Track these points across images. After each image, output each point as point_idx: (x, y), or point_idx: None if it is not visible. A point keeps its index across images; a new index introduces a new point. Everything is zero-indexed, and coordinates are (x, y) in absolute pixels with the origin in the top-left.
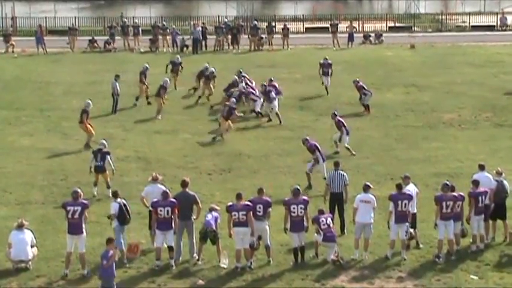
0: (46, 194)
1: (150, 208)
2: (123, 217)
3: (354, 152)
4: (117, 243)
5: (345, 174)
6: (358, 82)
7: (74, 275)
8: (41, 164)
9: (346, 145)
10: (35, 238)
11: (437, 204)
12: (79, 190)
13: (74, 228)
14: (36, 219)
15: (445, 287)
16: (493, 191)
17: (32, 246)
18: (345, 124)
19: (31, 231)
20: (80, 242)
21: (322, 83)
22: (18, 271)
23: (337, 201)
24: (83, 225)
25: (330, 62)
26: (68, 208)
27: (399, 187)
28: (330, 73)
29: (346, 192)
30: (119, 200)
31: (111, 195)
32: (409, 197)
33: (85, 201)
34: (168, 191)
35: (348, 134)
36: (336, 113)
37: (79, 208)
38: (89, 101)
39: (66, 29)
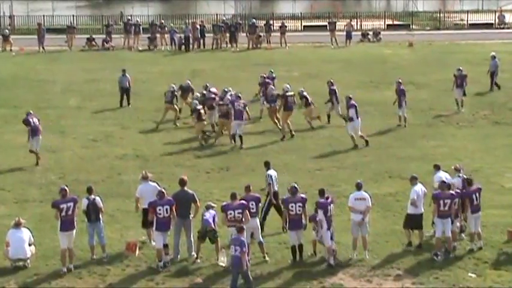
0: (44, 192)
1: (144, 207)
2: (89, 214)
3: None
4: (89, 239)
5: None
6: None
7: (71, 272)
8: (38, 162)
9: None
10: (32, 236)
11: (435, 202)
12: (66, 187)
13: (68, 225)
14: (34, 217)
15: (443, 285)
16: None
17: (30, 245)
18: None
19: (29, 229)
20: (71, 238)
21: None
22: (17, 269)
23: None
24: (75, 221)
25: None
26: (62, 206)
27: (322, 193)
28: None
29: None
30: (91, 196)
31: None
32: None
33: (75, 197)
34: (163, 189)
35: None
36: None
37: (71, 204)
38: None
39: (64, 28)
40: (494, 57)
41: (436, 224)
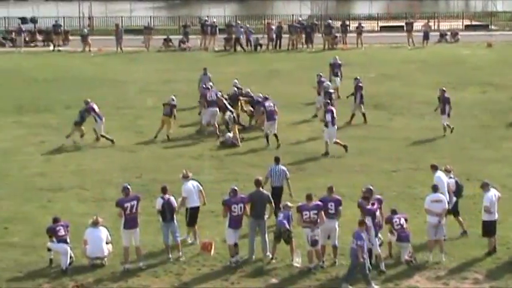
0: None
1: (188, 206)
2: (163, 214)
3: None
4: (164, 239)
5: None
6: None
7: (146, 270)
8: (116, 161)
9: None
10: (110, 235)
11: None
12: (128, 185)
13: (132, 223)
14: (112, 216)
15: None
16: (451, 189)
17: (107, 243)
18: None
19: (106, 228)
20: (135, 235)
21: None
22: (94, 267)
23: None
24: (138, 219)
25: (340, 62)
26: (126, 205)
27: (367, 198)
28: (340, 74)
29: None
30: (166, 196)
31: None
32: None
33: (138, 195)
34: (235, 187)
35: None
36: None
37: (135, 202)
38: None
39: (141, 28)
40: None
41: None
